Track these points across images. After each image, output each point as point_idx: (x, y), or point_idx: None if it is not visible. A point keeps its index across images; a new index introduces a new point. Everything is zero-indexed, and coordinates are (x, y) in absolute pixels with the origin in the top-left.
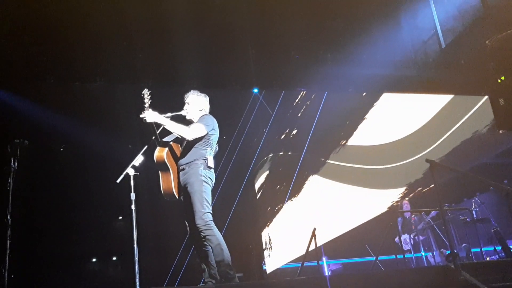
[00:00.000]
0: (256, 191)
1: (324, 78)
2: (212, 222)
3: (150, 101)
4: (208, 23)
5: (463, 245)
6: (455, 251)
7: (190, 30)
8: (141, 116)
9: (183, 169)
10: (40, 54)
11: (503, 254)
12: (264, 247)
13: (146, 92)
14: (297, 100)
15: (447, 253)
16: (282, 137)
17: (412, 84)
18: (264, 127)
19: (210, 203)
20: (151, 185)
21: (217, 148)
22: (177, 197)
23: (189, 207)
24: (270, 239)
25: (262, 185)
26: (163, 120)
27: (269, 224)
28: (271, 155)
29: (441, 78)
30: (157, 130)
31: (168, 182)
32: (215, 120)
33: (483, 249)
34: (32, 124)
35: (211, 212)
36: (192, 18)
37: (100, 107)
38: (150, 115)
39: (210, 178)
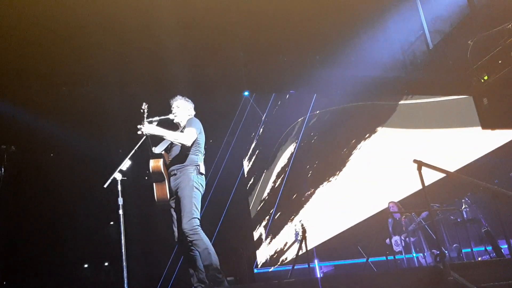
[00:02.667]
0: (248, 194)
1: (313, 80)
2: (199, 227)
3: (147, 113)
4: (198, 26)
5: (454, 245)
6: (446, 251)
7: (180, 34)
8: (138, 127)
9: (175, 174)
10: (27, 59)
11: (493, 254)
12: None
13: (145, 107)
14: (287, 103)
15: (437, 253)
16: (273, 139)
17: (400, 85)
18: (255, 129)
19: (199, 209)
20: (140, 190)
21: (204, 152)
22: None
23: (178, 211)
24: (304, 229)
25: (253, 188)
26: (161, 131)
27: (261, 227)
28: (262, 157)
29: (429, 79)
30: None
31: (163, 190)
32: (200, 122)
33: (474, 249)
34: (19, 130)
35: (199, 218)
36: (182, 22)
37: (87, 112)
38: (147, 128)
39: (201, 185)
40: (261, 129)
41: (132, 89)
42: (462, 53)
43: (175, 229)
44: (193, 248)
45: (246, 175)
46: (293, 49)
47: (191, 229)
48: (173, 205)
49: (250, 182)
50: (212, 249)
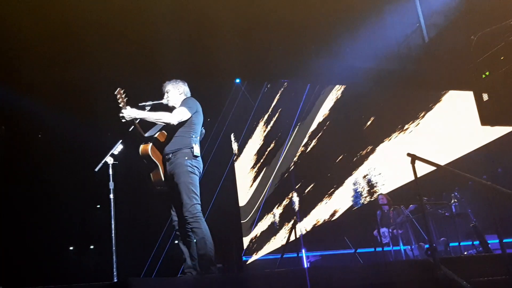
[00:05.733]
0: (237, 181)
1: (307, 70)
2: (200, 214)
3: (126, 98)
4: (190, 12)
5: (441, 239)
6: (434, 245)
7: (172, 19)
8: (120, 115)
9: (169, 159)
10: (17, 41)
11: (480, 248)
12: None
13: (120, 92)
14: (279, 92)
15: (426, 247)
16: (264, 127)
17: (395, 78)
18: (246, 117)
19: (198, 194)
20: (130, 174)
21: (204, 131)
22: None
23: (176, 196)
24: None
25: (243, 176)
26: (143, 114)
27: (251, 216)
28: (253, 145)
29: (424, 72)
30: (138, 125)
31: (157, 175)
32: (197, 102)
33: (461, 244)
34: (9, 111)
35: (199, 203)
36: (174, 7)
37: (78, 94)
38: (128, 113)
39: (197, 167)
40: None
41: (124, 73)
42: (457, 47)
43: (173, 213)
44: (190, 234)
45: (262, 141)
46: (287, 38)
47: (192, 216)
48: (170, 189)
49: (269, 148)
50: (209, 240)
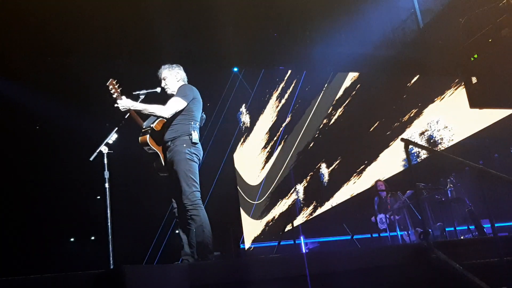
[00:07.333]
0: (236, 168)
1: (303, 57)
2: (200, 201)
3: (120, 88)
4: (188, 1)
5: (438, 224)
6: (429, 229)
7: (169, 6)
8: (115, 106)
9: (168, 147)
10: (11, 28)
11: (476, 233)
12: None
13: (112, 83)
14: (277, 79)
15: (421, 231)
16: (262, 115)
17: (390, 63)
18: (244, 105)
19: (197, 181)
20: (127, 163)
21: (204, 117)
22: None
23: (175, 184)
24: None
25: (241, 163)
26: (138, 106)
27: (264, 199)
28: (251, 132)
29: (419, 58)
30: (135, 114)
31: (158, 163)
32: (194, 88)
33: (457, 228)
34: (3, 101)
35: (199, 190)
36: None
37: (74, 83)
38: (123, 104)
39: (196, 154)
40: (248, 106)
41: (120, 61)
42: (452, 32)
43: (174, 201)
44: (190, 221)
45: (276, 117)
46: (283, 25)
47: (191, 203)
48: (170, 177)
49: (285, 123)
50: (207, 227)
